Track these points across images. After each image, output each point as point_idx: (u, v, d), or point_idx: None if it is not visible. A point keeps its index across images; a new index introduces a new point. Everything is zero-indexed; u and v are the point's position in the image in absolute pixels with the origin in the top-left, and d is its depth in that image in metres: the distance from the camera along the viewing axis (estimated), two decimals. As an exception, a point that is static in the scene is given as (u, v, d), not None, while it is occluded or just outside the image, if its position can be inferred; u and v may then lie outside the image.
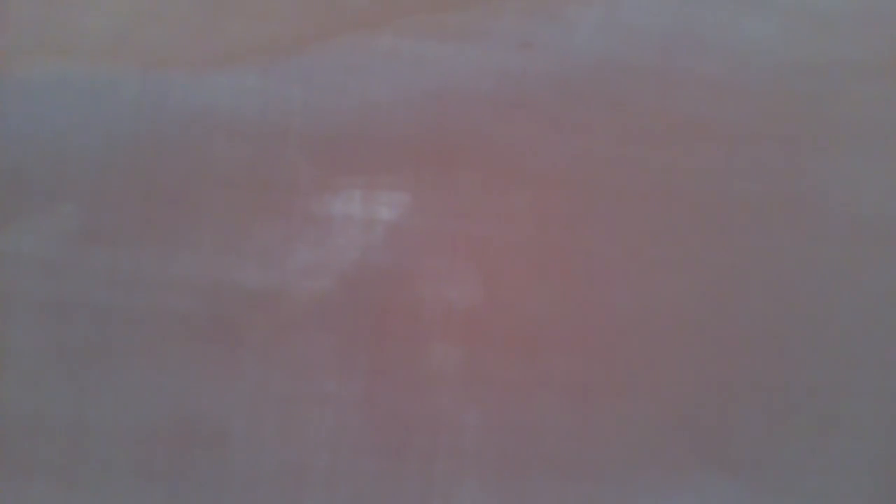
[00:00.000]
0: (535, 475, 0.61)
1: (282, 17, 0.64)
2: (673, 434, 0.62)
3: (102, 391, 0.58)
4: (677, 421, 0.63)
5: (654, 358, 0.63)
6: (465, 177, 0.64)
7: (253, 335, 0.60)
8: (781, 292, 0.65)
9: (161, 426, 0.58)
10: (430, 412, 0.61)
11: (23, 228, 0.59)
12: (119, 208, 0.60)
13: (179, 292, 0.60)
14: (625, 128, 0.67)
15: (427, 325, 0.62)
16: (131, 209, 0.60)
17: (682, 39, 0.67)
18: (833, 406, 0.64)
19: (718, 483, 0.62)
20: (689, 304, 0.65)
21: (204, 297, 0.60)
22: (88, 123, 0.61)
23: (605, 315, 0.64)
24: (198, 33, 0.64)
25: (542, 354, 0.62)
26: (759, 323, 0.65)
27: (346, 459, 0.60)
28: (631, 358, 0.63)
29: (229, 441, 0.59)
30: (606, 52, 0.66)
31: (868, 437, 0.65)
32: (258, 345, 0.60)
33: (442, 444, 0.61)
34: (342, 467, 0.59)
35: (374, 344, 0.61)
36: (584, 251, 0.65)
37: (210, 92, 0.62)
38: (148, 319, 0.59)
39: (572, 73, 0.66)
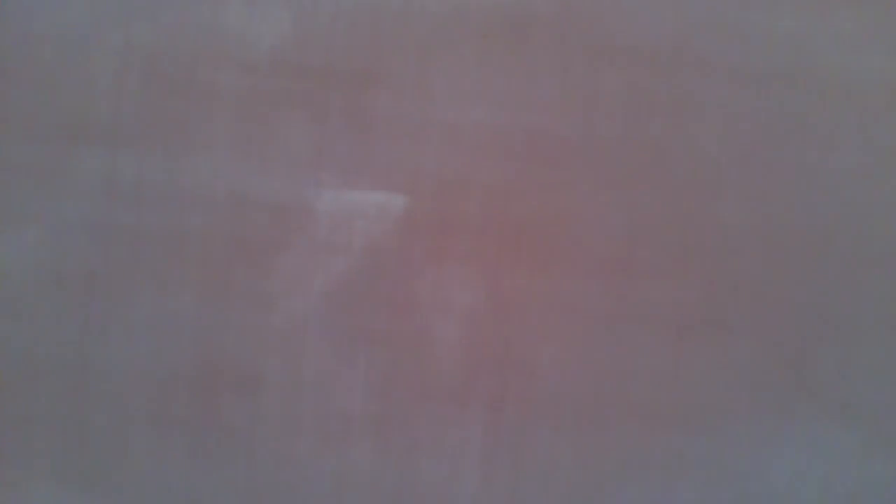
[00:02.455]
0: (619, 424, 0.52)
1: None
2: (782, 375, 0.53)
3: (108, 326, 0.49)
4: (788, 360, 0.53)
5: (766, 285, 0.52)
6: (540, 57, 0.51)
7: (285, 258, 0.50)
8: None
9: (179, 367, 0.49)
10: (497, 350, 0.51)
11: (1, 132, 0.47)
12: (114, 102, 0.48)
13: (192, 205, 0.49)
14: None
15: (494, 246, 0.51)
16: (129, 103, 0.48)
17: None
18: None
19: (832, 432, 0.53)
20: (811, 219, 0.53)
21: (222, 212, 0.49)
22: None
23: (708, 232, 0.52)
24: None
25: (629, 281, 0.52)
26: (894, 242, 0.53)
27: (398, 405, 0.51)
28: (737, 285, 0.52)
29: (261, 385, 0.50)
30: None
31: None
32: (291, 270, 0.50)
33: (511, 388, 0.51)
34: (394, 415, 0.51)
35: (431, 269, 0.50)
36: (685, 150, 0.52)
37: (219, -52, 0.48)
38: (157, 238, 0.49)
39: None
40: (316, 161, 0.50)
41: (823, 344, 0.53)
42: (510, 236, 0.51)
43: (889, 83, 0.53)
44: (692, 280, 0.52)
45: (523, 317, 0.51)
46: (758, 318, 0.52)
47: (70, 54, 0.47)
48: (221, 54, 0.48)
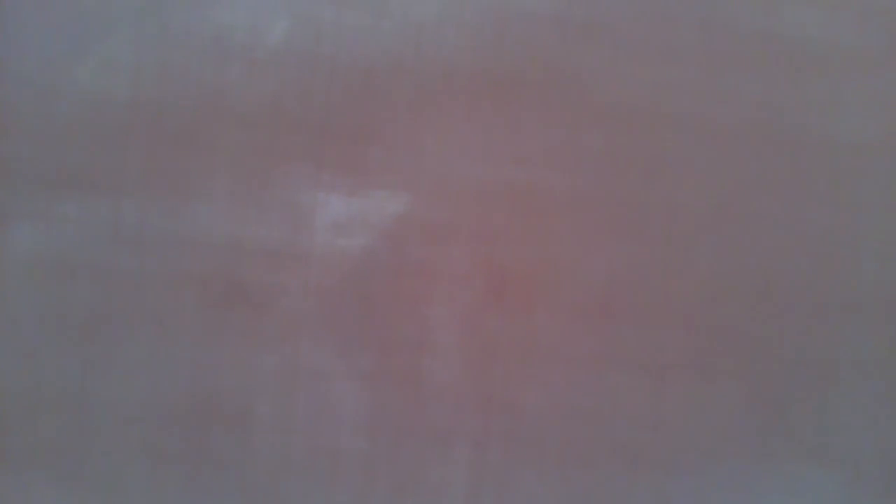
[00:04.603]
0: (600, 464, 0.53)
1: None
2: (760, 418, 0.54)
3: (108, 364, 0.51)
4: (767, 405, 0.54)
5: (742, 330, 0.54)
6: (525, 114, 0.54)
7: (278, 301, 0.52)
8: None
9: (175, 403, 0.51)
10: (482, 391, 0.53)
11: (9, 181, 0.51)
12: (120, 154, 0.51)
13: (192, 251, 0.52)
14: (716, 53, 0.55)
15: (479, 291, 0.53)
16: (134, 155, 0.51)
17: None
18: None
19: (811, 474, 0.54)
20: (785, 267, 0.55)
21: (220, 257, 0.52)
22: (79, 53, 0.51)
23: (686, 280, 0.54)
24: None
25: (610, 325, 0.54)
26: (868, 292, 0.55)
27: (385, 443, 0.52)
28: (714, 330, 0.54)
29: (252, 421, 0.51)
30: (700, -39, 0.54)
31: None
32: (284, 312, 0.52)
33: (494, 427, 0.53)
34: (381, 452, 0.52)
35: (418, 312, 0.53)
36: (663, 204, 0.55)
37: (224, 12, 0.52)
38: (157, 282, 0.51)
39: (657, -13, 0.55)
40: (310, 210, 0.53)
41: (801, 388, 0.54)
42: (495, 282, 0.54)
43: (853, 140, 0.56)
44: (672, 325, 0.54)
45: (507, 359, 0.53)
46: (736, 362, 0.54)
47: (81, 109, 0.51)
48: (223, 110, 0.52)
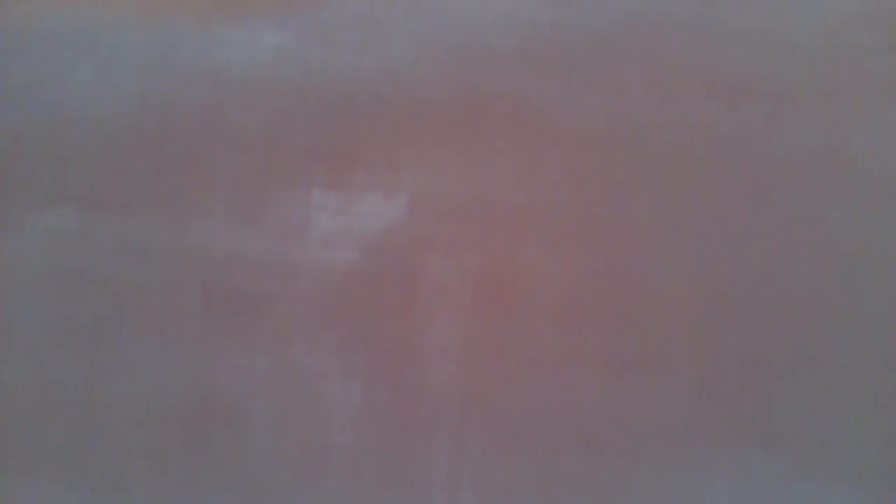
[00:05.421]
0: (569, 453, 0.58)
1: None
2: (712, 409, 0.60)
3: (113, 368, 0.55)
4: (716, 396, 0.60)
5: (693, 330, 0.60)
6: (493, 140, 0.61)
7: (272, 308, 0.57)
8: (826, 259, 0.62)
9: (176, 405, 0.55)
10: (460, 388, 0.58)
11: (25, 197, 0.55)
12: (127, 174, 0.56)
13: (193, 263, 0.56)
14: (663, 85, 0.63)
15: (456, 297, 0.59)
16: (140, 175, 0.56)
17: (724, -9, 0.63)
18: (881, 379, 0.62)
19: (759, 459, 0.59)
20: (730, 273, 0.61)
21: (219, 269, 0.57)
22: (91, 82, 0.56)
23: (641, 285, 0.60)
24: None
25: (574, 327, 0.59)
26: (804, 293, 0.62)
27: (372, 438, 0.57)
28: (668, 330, 0.60)
29: (249, 420, 0.56)
30: (643, 4, 0.62)
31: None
32: (278, 319, 0.57)
33: (472, 422, 0.58)
34: (368, 446, 0.57)
35: (401, 317, 0.58)
36: (619, 218, 0.61)
37: (223, 48, 0.58)
38: (160, 292, 0.56)
39: (607, 27, 0.62)
40: (301, 225, 0.58)
41: (748, 382, 0.60)
42: (471, 289, 0.59)
43: (784, 158, 0.63)
44: (630, 327, 0.60)
45: (483, 359, 0.59)
46: (687, 359, 0.60)
47: (94, 135, 0.56)
48: (222, 135, 0.57)
